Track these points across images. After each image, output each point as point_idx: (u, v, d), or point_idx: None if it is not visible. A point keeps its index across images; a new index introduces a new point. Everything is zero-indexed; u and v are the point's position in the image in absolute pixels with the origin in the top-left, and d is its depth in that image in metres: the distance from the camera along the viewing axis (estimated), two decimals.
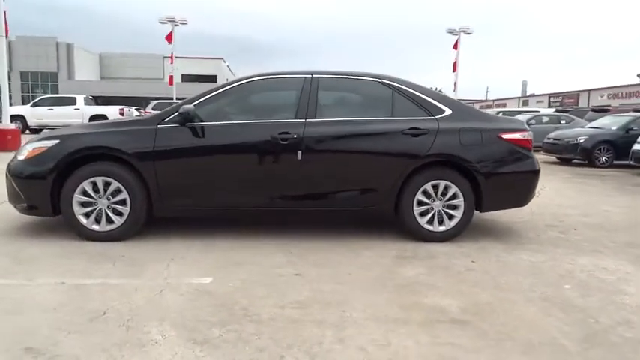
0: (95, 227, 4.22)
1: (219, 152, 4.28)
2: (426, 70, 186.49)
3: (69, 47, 44.05)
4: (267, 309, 2.90)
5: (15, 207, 4.42)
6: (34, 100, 22.53)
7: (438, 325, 2.76)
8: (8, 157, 4.90)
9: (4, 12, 12.35)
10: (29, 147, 4.31)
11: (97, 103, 23.24)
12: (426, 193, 4.44)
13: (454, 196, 4.46)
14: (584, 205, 6.61)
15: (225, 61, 51.96)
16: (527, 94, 54.51)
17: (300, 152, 4.26)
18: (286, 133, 4.27)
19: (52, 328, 2.58)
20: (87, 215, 4.21)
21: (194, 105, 4.27)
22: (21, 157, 4.30)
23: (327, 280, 3.45)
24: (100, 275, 3.41)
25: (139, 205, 4.21)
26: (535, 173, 4.63)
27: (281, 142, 4.26)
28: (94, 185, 4.19)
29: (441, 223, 4.48)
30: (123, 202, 4.21)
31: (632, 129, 11.88)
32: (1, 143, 11.76)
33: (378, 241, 4.43)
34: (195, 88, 42.50)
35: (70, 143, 4.21)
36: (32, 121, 20.35)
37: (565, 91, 45.34)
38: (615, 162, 11.86)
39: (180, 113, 4.22)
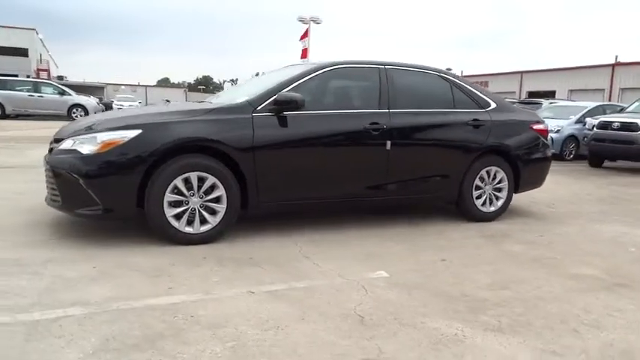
0: (188, 229, 3.73)
1: (316, 142, 4.11)
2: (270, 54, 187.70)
3: None
4: (482, 292, 3.05)
5: (74, 212, 3.65)
6: None
7: (619, 289, 3.24)
8: None
9: None
10: (99, 139, 3.57)
11: None
12: (481, 178, 4.91)
13: (500, 180, 5.02)
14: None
15: (38, 33, 45.33)
16: None
17: (389, 142, 4.35)
18: (376, 123, 4.31)
19: (341, 337, 2.38)
20: (177, 217, 3.69)
21: (285, 92, 4.03)
22: (87, 151, 3.55)
23: (469, 261, 3.67)
24: (278, 280, 3.11)
25: (235, 202, 3.85)
26: (550, 159, 5.44)
27: (372, 132, 4.29)
28: (186, 182, 3.69)
29: (490, 204, 5.01)
30: (217, 200, 3.79)
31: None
32: None
33: (441, 225, 4.74)
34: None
35: (159, 134, 3.62)
36: None
37: None
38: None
39: (277, 101, 3.94)
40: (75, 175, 3.51)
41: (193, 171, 3.68)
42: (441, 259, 3.70)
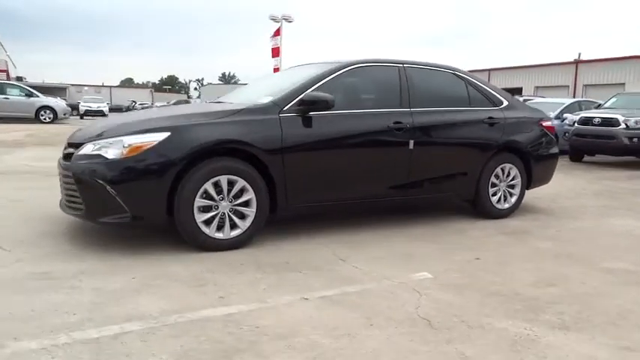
0: (219, 235, 3.60)
1: (343, 142, 4.05)
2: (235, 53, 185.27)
3: None
4: (531, 290, 3.05)
5: (98, 221, 3.48)
6: None
7: None
8: None
9: None
10: (126, 142, 3.40)
11: None
12: (496, 176, 4.95)
13: (513, 177, 5.07)
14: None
15: None
16: None
17: (412, 141, 4.32)
18: (399, 122, 4.28)
19: (419, 343, 2.32)
20: (206, 222, 3.56)
21: (312, 92, 3.94)
22: (113, 156, 3.38)
23: (504, 259, 3.68)
24: (326, 285, 3.03)
25: (265, 206, 3.75)
26: (558, 155, 5.53)
27: (396, 132, 4.26)
28: (215, 186, 3.56)
29: (504, 201, 5.05)
30: (246, 204, 3.68)
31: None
32: None
33: (459, 224, 4.74)
34: None
35: (188, 136, 3.48)
36: None
37: None
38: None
39: (305, 101, 3.86)
40: (100, 182, 3.34)
41: (223, 174, 3.56)
42: (475, 258, 3.70)
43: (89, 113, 31.11)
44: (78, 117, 29.83)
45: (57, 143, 12.15)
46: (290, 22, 30.97)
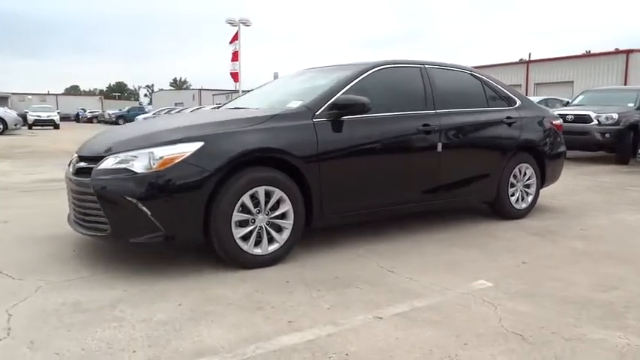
0: (257, 251, 3.33)
1: (376, 147, 3.86)
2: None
3: None
4: (600, 294, 2.95)
5: (126, 241, 3.13)
6: None
7: None
8: None
9: None
10: (157, 154, 3.08)
11: None
12: (514, 176, 4.89)
13: (529, 177, 5.03)
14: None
15: None
16: None
17: (440, 144, 4.19)
18: (427, 125, 4.14)
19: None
20: (243, 238, 3.28)
21: (345, 95, 3.74)
22: (143, 170, 3.05)
23: (549, 262, 3.59)
24: (391, 300, 2.82)
25: (302, 218, 3.51)
26: (565, 154, 5.55)
27: (425, 134, 4.11)
28: (252, 198, 3.30)
29: (522, 201, 5.01)
30: (283, 216, 3.43)
31: None
32: None
33: (481, 225, 4.66)
34: None
35: (224, 145, 3.19)
36: None
37: None
38: None
39: (338, 105, 3.64)
40: (130, 199, 3.00)
41: (261, 185, 3.29)
42: (522, 262, 3.59)
43: (38, 123, 29.49)
44: (26, 127, 28.24)
45: (15, 156, 11.38)
46: (248, 25, 30.59)
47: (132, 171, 3.05)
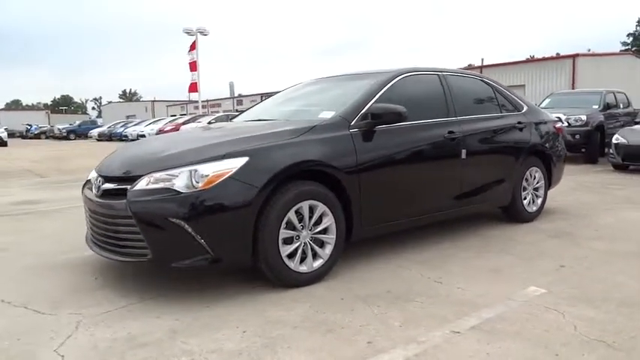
0: (302, 268, 3.20)
1: (411, 156, 3.81)
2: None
3: None
4: None
5: (169, 266, 2.93)
6: None
7: None
8: None
9: None
10: (202, 171, 2.89)
11: None
12: (526, 179, 4.97)
13: (539, 180, 5.13)
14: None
15: None
16: (236, 94, 57.49)
17: (464, 150, 4.20)
18: (452, 132, 4.13)
19: None
20: (289, 255, 3.15)
21: (379, 104, 3.67)
22: (188, 189, 2.86)
23: (586, 264, 3.63)
24: (459, 313, 2.75)
25: (343, 232, 3.40)
26: (566, 156, 5.70)
27: (450, 141, 4.10)
28: (297, 213, 3.17)
29: (533, 204, 5.09)
30: (325, 231, 3.32)
31: None
32: None
33: (498, 230, 4.70)
34: None
35: (270, 159, 3.05)
36: None
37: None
38: None
39: (375, 114, 3.57)
40: (175, 220, 2.81)
41: (306, 200, 3.17)
42: (560, 266, 3.62)
43: None
44: None
45: None
46: (205, 35, 30.14)
47: (175, 190, 2.86)
